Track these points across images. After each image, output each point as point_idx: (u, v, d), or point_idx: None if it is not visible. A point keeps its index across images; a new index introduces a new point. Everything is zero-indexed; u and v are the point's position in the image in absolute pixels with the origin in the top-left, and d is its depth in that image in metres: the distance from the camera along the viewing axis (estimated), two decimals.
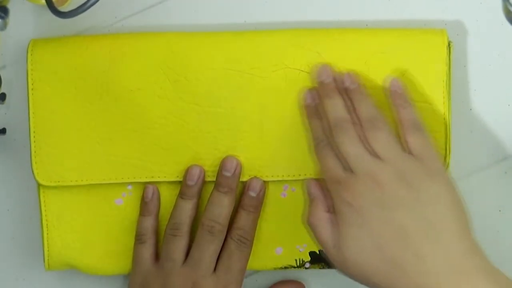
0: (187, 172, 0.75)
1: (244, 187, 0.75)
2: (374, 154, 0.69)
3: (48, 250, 0.76)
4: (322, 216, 0.70)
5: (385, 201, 0.67)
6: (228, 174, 0.74)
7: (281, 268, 0.77)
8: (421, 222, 0.66)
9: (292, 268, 0.77)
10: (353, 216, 0.67)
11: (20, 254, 0.80)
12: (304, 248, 0.76)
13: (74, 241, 0.77)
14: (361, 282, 0.67)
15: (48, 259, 0.76)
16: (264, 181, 0.75)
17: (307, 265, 0.76)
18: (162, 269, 0.74)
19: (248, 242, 0.74)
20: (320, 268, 0.76)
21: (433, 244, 0.65)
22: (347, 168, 0.69)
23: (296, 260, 0.76)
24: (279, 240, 0.76)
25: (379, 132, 0.70)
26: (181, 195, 0.75)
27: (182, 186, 0.75)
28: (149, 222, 0.76)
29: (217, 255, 0.74)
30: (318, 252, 0.76)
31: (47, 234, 0.76)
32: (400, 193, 0.67)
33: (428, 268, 0.64)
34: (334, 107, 0.72)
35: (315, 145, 0.73)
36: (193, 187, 0.75)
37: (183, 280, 0.73)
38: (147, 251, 0.75)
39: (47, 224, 0.76)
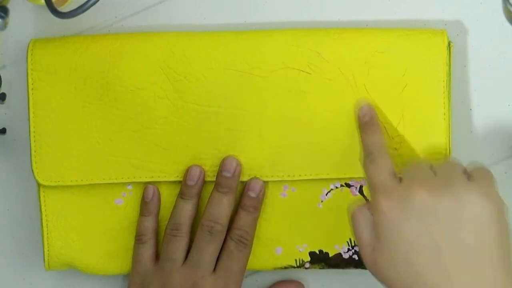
0: (187, 172, 0.75)
1: (244, 187, 0.75)
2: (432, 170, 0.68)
3: (48, 250, 0.76)
4: (366, 215, 0.68)
5: (423, 211, 0.65)
6: (228, 174, 0.74)
7: (281, 268, 0.77)
8: (456, 241, 0.64)
9: (292, 268, 0.77)
10: (387, 224, 0.66)
11: (20, 254, 0.80)
12: (304, 248, 0.76)
13: (74, 241, 0.77)
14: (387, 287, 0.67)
15: (48, 259, 0.76)
16: (264, 181, 0.75)
17: (307, 265, 0.76)
18: (162, 269, 0.74)
19: (247, 243, 0.74)
20: (320, 268, 0.76)
21: (466, 269, 0.63)
22: (396, 177, 0.68)
23: (296, 260, 0.76)
24: (279, 240, 0.76)
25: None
26: (181, 195, 0.75)
27: (182, 186, 0.75)
28: (149, 222, 0.76)
29: (217, 255, 0.74)
30: (317, 252, 0.76)
31: (47, 234, 0.76)
32: (440, 204, 0.65)
33: None
34: None
35: (369, 158, 0.71)
36: (193, 187, 0.75)
37: (182, 280, 0.73)
38: (147, 251, 0.75)
39: (47, 224, 0.76)
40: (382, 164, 0.70)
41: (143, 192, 0.76)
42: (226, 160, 0.75)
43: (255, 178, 0.75)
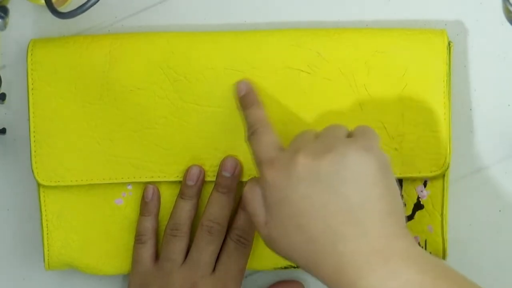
0: (187, 172, 0.75)
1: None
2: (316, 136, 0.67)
3: (48, 250, 0.76)
4: (256, 191, 0.67)
5: (307, 176, 0.64)
6: (228, 174, 0.74)
7: (281, 268, 0.77)
8: (341, 200, 0.63)
9: (292, 268, 0.77)
10: (275, 194, 0.65)
11: (20, 254, 0.80)
12: None
13: (74, 241, 0.77)
14: (288, 260, 0.66)
15: (48, 259, 0.76)
16: None
17: None
18: (162, 269, 0.74)
19: (247, 243, 0.74)
20: None
21: (353, 226, 0.62)
22: (280, 148, 0.68)
23: None
24: None
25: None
26: (181, 195, 0.75)
27: (182, 186, 0.75)
28: (149, 222, 0.76)
29: (216, 256, 0.74)
30: None
31: (47, 234, 0.76)
32: (322, 166, 0.63)
33: (346, 249, 0.61)
34: None
35: (251, 132, 0.71)
36: (193, 187, 0.75)
37: (182, 281, 0.73)
38: (147, 251, 0.75)
39: (47, 224, 0.76)
40: (265, 136, 0.69)
41: (143, 192, 0.76)
42: (226, 160, 0.75)
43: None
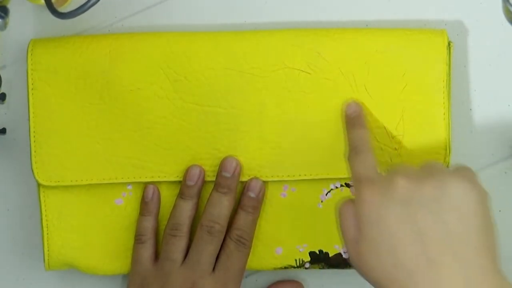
0: (187, 172, 0.75)
1: (244, 187, 0.75)
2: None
3: (48, 250, 0.76)
4: (351, 208, 0.66)
5: (406, 198, 0.63)
6: (227, 175, 0.74)
7: (281, 268, 0.77)
8: (441, 228, 0.62)
9: (292, 268, 0.77)
10: (371, 214, 0.64)
11: (20, 254, 0.80)
12: (304, 248, 0.76)
13: (74, 241, 0.77)
14: (371, 283, 0.64)
15: (48, 259, 0.76)
16: (264, 181, 0.75)
17: (307, 265, 0.76)
18: (162, 269, 0.74)
19: (247, 243, 0.75)
20: (320, 268, 0.76)
21: (451, 256, 0.61)
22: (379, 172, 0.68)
23: (296, 260, 0.76)
24: (279, 240, 0.76)
25: None
26: (181, 195, 0.75)
27: (182, 186, 0.75)
28: (149, 222, 0.76)
29: (216, 255, 0.74)
30: (317, 252, 0.76)
31: (47, 234, 0.76)
32: (423, 190, 0.63)
33: (441, 278, 0.61)
34: None
35: (354, 152, 0.71)
36: (193, 187, 0.75)
37: (182, 281, 0.73)
38: (147, 251, 0.75)
39: (47, 224, 0.76)
40: (367, 158, 0.69)
41: (143, 192, 0.76)
42: (226, 160, 0.75)
43: (255, 178, 0.75)
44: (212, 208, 0.74)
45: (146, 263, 0.75)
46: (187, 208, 0.75)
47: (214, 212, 0.74)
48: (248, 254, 0.75)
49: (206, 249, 0.74)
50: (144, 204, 0.76)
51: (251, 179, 0.75)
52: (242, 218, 0.75)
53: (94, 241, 0.77)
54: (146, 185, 0.76)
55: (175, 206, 0.75)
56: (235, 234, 0.74)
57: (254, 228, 0.75)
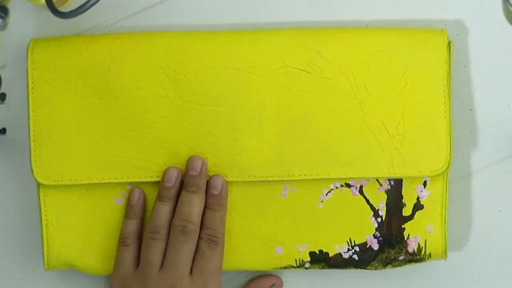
0: (164, 174, 0.75)
1: (207, 186, 0.75)
2: None
3: (47, 250, 0.76)
4: None
5: None
6: (194, 173, 0.74)
7: (281, 268, 0.77)
8: None
9: (292, 268, 0.77)
10: None
11: (20, 254, 0.80)
12: (304, 248, 0.76)
13: (74, 241, 0.76)
14: None
15: (47, 259, 0.76)
16: (262, 181, 0.75)
17: (307, 265, 0.76)
18: (141, 273, 0.74)
19: (218, 240, 0.74)
20: (320, 268, 0.76)
21: None
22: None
23: (296, 260, 0.76)
24: (279, 240, 0.76)
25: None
26: (159, 198, 0.75)
27: (160, 188, 0.75)
28: (133, 225, 0.76)
29: (192, 256, 0.74)
30: (317, 252, 0.76)
31: (47, 234, 0.76)
32: None
33: None
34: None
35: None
36: (171, 189, 0.75)
37: (160, 284, 0.73)
38: (130, 254, 0.75)
39: (47, 224, 0.76)
40: None
41: (129, 195, 0.76)
42: (191, 159, 0.74)
43: (216, 175, 0.75)
44: (183, 208, 0.74)
45: (128, 266, 0.75)
46: (166, 211, 0.75)
47: (185, 211, 0.74)
48: (222, 252, 0.74)
49: (182, 249, 0.73)
50: (129, 207, 0.76)
51: (212, 176, 0.75)
52: (210, 217, 0.74)
53: (94, 241, 0.77)
54: (132, 188, 0.76)
55: (153, 209, 0.75)
56: (205, 233, 0.74)
57: (223, 224, 0.75)
